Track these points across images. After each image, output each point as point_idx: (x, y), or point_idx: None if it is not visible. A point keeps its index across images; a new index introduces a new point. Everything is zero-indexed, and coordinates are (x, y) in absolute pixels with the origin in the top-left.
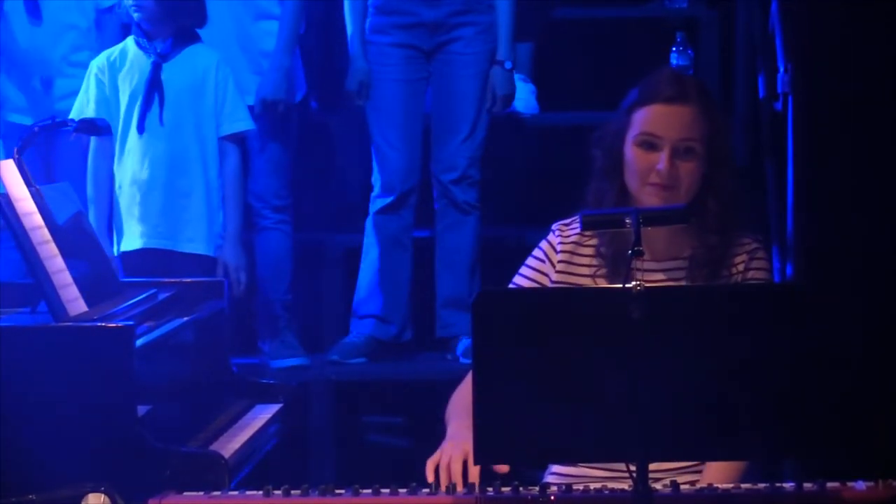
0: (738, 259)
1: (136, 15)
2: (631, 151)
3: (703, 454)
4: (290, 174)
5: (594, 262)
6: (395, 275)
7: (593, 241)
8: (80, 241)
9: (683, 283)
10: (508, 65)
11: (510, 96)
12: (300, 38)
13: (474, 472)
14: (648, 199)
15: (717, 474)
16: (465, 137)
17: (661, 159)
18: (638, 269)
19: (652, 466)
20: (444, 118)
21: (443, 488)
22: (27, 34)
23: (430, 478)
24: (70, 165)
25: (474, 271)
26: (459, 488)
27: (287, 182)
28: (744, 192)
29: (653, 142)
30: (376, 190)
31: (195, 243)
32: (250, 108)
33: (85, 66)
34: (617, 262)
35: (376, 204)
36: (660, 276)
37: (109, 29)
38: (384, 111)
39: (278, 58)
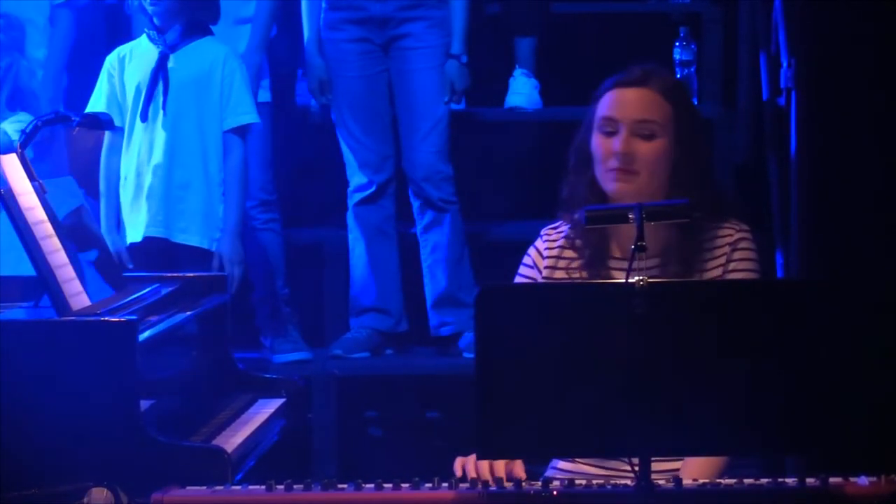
0: (719, 251)
1: (151, 9)
2: (594, 140)
3: (706, 449)
4: (272, 169)
5: (574, 264)
6: (383, 264)
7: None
8: (82, 236)
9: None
10: (464, 59)
11: (467, 90)
12: (272, 40)
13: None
14: (609, 185)
15: (695, 469)
16: (427, 132)
17: (616, 141)
18: (614, 269)
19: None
20: (405, 115)
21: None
22: None
23: (458, 473)
24: (59, 161)
25: (461, 264)
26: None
27: (272, 177)
28: (718, 179)
29: (612, 126)
30: (352, 184)
31: (188, 234)
32: None
33: (42, 63)
34: (593, 259)
35: (354, 198)
36: (639, 273)
37: (63, 24)
38: (346, 107)
39: (249, 55)
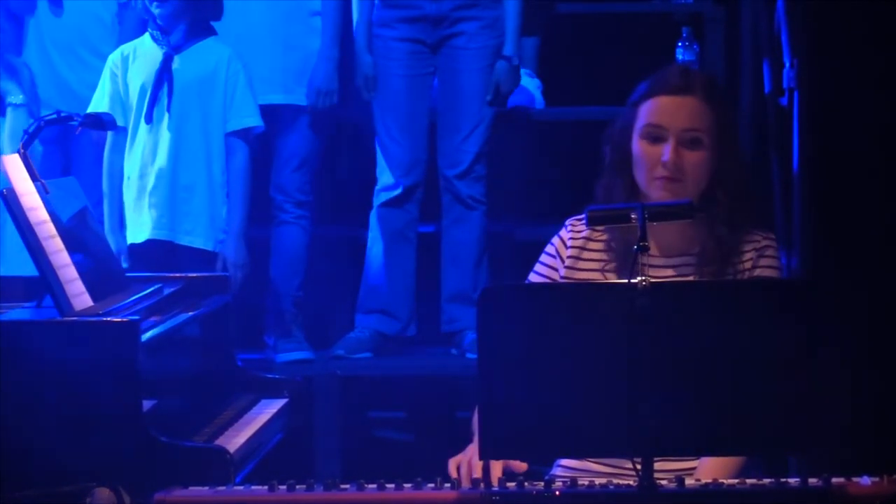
0: (747, 256)
1: (157, 11)
2: (637, 145)
3: (708, 449)
4: (315, 170)
5: (604, 256)
6: (399, 269)
7: (604, 237)
8: (85, 236)
9: (692, 278)
10: (515, 60)
11: (511, 92)
12: None
13: (497, 472)
14: (656, 192)
15: (709, 470)
16: (469, 132)
17: (666, 150)
18: (646, 265)
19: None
20: (448, 113)
21: (464, 483)
22: (52, 25)
23: (453, 474)
24: (89, 160)
25: (480, 266)
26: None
27: (311, 178)
28: (753, 186)
29: (658, 133)
30: (380, 183)
31: (192, 236)
32: (298, 107)
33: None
34: (626, 257)
35: (380, 197)
36: (669, 272)
37: (130, 23)
38: (388, 105)
39: (326, 49)
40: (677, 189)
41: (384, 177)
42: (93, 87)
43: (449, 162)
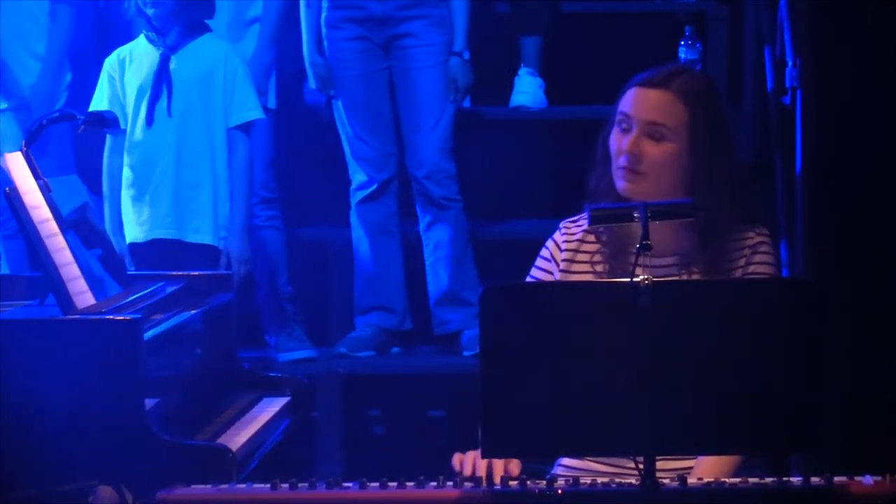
0: (740, 254)
1: (151, 11)
2: (612, 135)
3: (710, 448)
4: (274, 168)
5: (597, 258)
6: (386, 262)
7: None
8: (87, 234)
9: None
10: (466, 55)
11: (470, 87)
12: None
13: (499, 471)
14: (618, 183)
15: (707, 469)
16: (429, 130)
17: (627, 140)
18: (638, 265)
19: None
20: (407, 113)
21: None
22: None
23: (457, 467)
24: (45, 163)
25: (463, 263)
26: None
27: (274, 175)
28: (745, 186)
29: (626, 122)
30: (354, 182)
31: (201, 234)
32: None
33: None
34: (616, 257)
35: (356, 196)
36: (655, 271)
37: (63, 19)
38: (348, 105)
39: (260, 52)
40: (637, 181)
41: (357, 176)
42: (26, 88)
43: (415, 163)
